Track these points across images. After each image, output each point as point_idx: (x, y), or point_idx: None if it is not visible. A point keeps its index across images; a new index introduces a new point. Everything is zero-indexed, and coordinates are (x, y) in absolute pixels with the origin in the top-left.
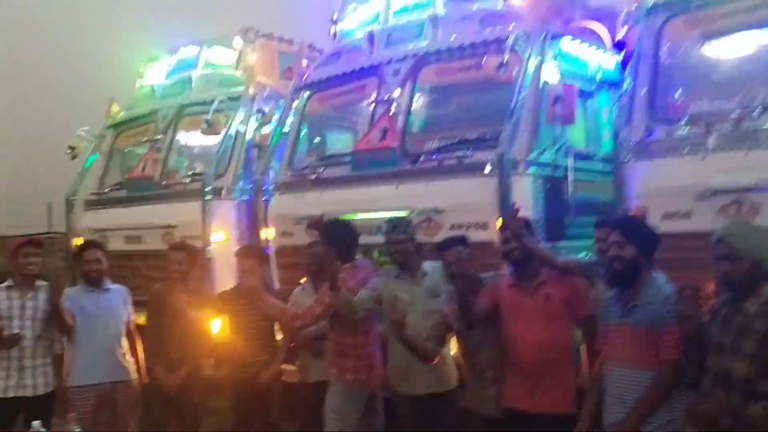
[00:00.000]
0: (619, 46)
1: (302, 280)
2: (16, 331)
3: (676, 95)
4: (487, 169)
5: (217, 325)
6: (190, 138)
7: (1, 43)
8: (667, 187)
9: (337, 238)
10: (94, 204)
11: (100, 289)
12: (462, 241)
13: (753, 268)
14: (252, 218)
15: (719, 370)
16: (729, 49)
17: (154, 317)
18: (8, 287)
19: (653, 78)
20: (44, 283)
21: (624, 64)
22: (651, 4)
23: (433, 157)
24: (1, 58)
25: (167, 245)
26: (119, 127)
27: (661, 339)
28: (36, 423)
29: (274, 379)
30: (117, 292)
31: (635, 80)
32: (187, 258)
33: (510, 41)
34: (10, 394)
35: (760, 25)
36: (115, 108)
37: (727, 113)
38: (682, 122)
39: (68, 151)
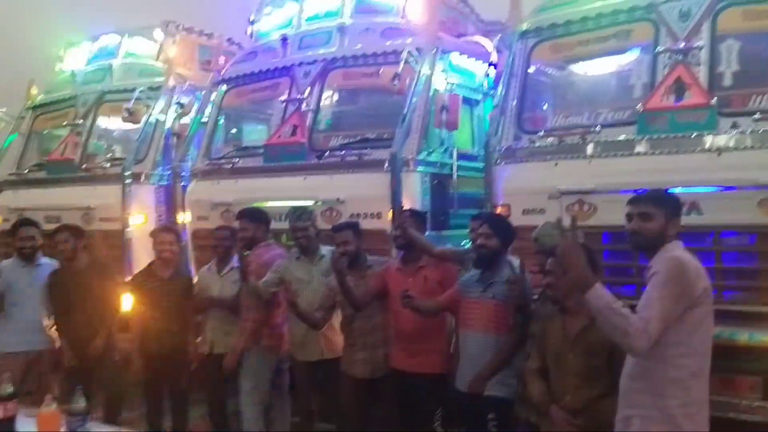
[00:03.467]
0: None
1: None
2: None
3: (539, 109)
4: (384, 166)
5: (128, 301)
6: (110, 123)
7: None
8: (527, 188)
9: (262, 220)
10: (12, 184)
11: (32, 265)
12: (353, 226)
13: None
14: (169, 203)
15: (535, 334)
16: (583, 72)
17: (59, 292)
18: None
19: (521, 93)
20: None
21: (496, 80)
22: (523, 29)
23: (337, 153)
24: None
25: (88, 226)
26: (38, 109)
27: (509, 310)
28: None
29: (195, 354)
30: (47, 267)
31: (506, 95)
32: (71, 237)
33: (404, 54)
34: None
35: (609, 53)
36: (34, 90)
37: (577, 127)
38: (541, 133)
39: None
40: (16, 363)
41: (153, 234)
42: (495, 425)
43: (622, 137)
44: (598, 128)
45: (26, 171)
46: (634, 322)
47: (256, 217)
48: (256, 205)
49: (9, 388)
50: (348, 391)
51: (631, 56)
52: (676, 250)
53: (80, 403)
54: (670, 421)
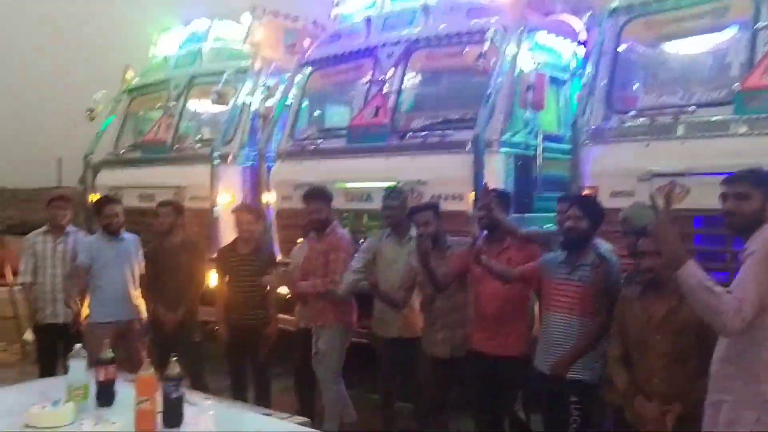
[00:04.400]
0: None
1: (299, 240)
2: (49, 269)
3: (630, 89)
4: (466, 147)
5: (214, 276)
6: (200, 106)
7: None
8: (615, 169)
9: (331, 199)
10: (109, 163)
11: (116, 239)
12: (433, 207)
13: None
14: (255, 183)
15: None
16: (677, 51)
17: (151, 265)
18: (44, 232)
19: (611, 72)
20: (74, 228)
21: (585, 59)
22: (613, 6)
23: (419, 134)
24: (27, 15)
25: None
26: (134, 92)
27: (595, 294)
28: (77, 345)
29: (274, 328)
30: (131, 240)
31: (595, 74)
32: (172, 212)
33: (489, 34)
34: (47, 321)
35: (704, 31)
36: (130, 74)
37: (669, 107)
38: (632, 113)
39: (87, 113)
40: (106, 333)
41: (234, 212)
42: (577, 409)
43: (717, 117)
44: (692, 108)
45: (122, 151)
46: (728, 301)
47: (328, 197)
48: (338, 186)
49: (110, 353)
50: (427, 371)
51: (728, 33)
52: None
53: (175, 369)
54: (763, 406)
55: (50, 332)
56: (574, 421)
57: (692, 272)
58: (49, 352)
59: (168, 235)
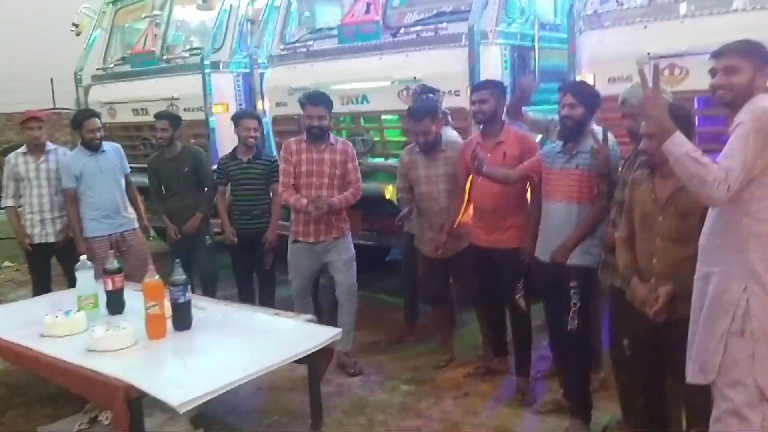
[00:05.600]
0: None
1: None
2: (35, 190)
3: None
4: (461, 40)
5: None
6: (187, 13)
7: None
8: (613, 54)
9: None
10: (100, 79)
11: (98, 152)
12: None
13: None
14: (249, 90)
15: (620, 201)
16: None
17: (155, 177)
18: (24, 153)
19: None
20: (53, 146)
21: None
22: None
23: (412, 29)
24: None
25: None
26: (118, 3)
27: (593, 180)
28: (83, 257)
29: (274, 235)
30: (112, 151)
31: None
32: (170, 125)
33: None
34: (36, 240)
35: None
36: None
37: None
38: None
39: (72, 28)
40: (102, 246)
41: (236, 119)
42: (577, 293)
43: None
44: None
45: (112, 66)
46: (714, 170)
47: (329, 103)
48: (333, 88)
49: (115, 263)
50: (423, 266)
51: None
52: (765, 100)
53: (180, 275)
54: (751, 275)
55: (41, 251)
56: (575, 305)
57: (678, 142)
58: (42, 271)
59: (168, 147)
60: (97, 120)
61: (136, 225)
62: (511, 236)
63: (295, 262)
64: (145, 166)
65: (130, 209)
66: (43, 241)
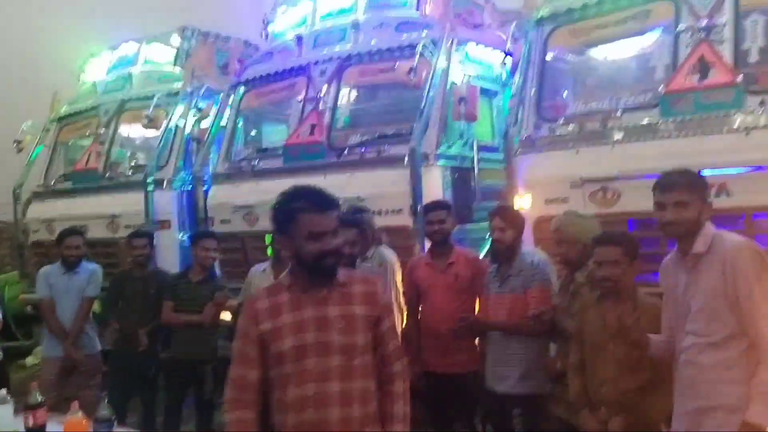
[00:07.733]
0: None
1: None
2: None
3: (559, 96)
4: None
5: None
6: (132, 131)
7: None
8: (548, 177)
9: None
10: (40, 195)
11: (72, 272)
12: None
13: (584, 248)
14: (193, 207)
15: (558, 328)
16: (602, 57)
17: (115, 293)
18: None
19: (540, 81)
20: None
21: (513, 69)
22: (539, 16)
23: (356, 150)
24: None
25: (113, 234)
26: (63, 120)
27: (528, 298)
28: (2, 391)
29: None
30: (84, 272)
31: (524, 83)
32: (148, 243)
33: (419, 48)
34: None
35: (628, 36)
36: (58, 102)
37: (597, 113)
38: (561, 120)
39: (14, 145)
40: (54, 367)
41: (194, 238)
42: (521, 422)
43: (645, 121)
44: (619, 113)
45: (53, 182)
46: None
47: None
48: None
49: (37, 397)
50: None
51: (651, 37)
52: (725, 234)
53: (105, 411)
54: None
55: None
56: None
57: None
58: None
59: (141, 267)
60: (79, 238)
61: (96, 350)
62: (462, 360)
63: None
64: None
65: (92, 333)
66: None
